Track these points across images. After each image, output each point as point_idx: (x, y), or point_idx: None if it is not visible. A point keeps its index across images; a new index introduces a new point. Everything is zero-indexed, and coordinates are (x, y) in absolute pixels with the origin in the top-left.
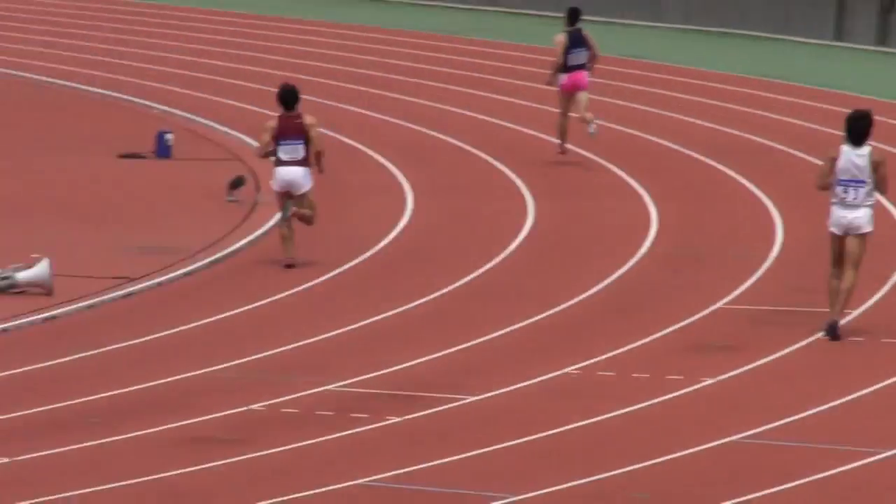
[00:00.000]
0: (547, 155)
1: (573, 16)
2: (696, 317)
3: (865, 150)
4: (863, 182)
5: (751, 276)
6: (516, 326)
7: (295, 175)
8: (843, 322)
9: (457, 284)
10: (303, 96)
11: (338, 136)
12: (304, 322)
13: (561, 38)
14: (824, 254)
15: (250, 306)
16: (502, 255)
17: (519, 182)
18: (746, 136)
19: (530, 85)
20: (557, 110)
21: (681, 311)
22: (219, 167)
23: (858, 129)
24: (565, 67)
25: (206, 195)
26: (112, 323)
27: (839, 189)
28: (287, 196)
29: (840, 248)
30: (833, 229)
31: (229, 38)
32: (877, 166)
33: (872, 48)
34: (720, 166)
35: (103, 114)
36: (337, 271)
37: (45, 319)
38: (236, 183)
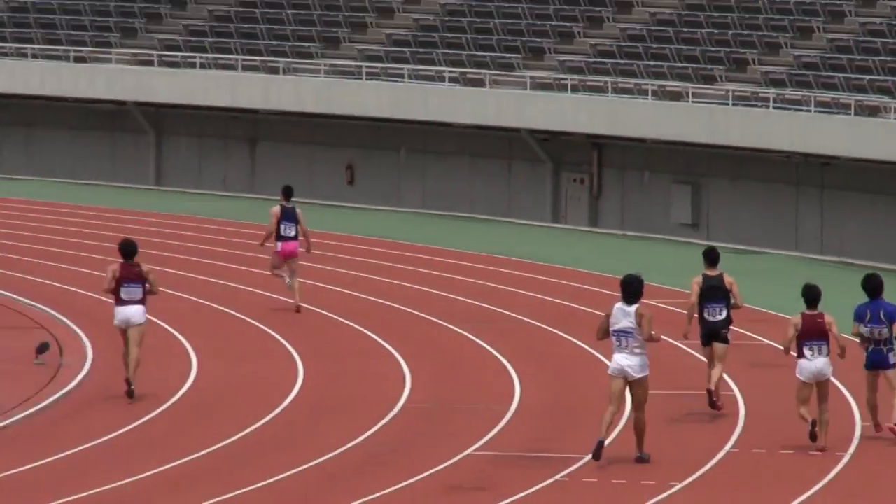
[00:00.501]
0: (308, 320)
1: (287, 193)
2: (450, 462)
3: (634, 307)
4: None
5: (496, 426)
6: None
7: (132, 312)
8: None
9: (237, 436)
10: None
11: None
12: (108, 468)
13: (276, 210)
14: (559, 407)
15: (62, 454)
16: (279, 409)
17: (286, 343)
18: (481, 304)
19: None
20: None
21: (435, 457)
22: (26, 335)
23: (630, 289)
24: (279, 236)
25: (16, 359)
26: None
27: (613, 339)
28: (125, 331)
29: (618, 389)
30: (610, 372)
31: (26, 224)
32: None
33: (586, 229)
34: (461, 331)
35: None
36: (127, 428)
37: None
38: (42, 348)
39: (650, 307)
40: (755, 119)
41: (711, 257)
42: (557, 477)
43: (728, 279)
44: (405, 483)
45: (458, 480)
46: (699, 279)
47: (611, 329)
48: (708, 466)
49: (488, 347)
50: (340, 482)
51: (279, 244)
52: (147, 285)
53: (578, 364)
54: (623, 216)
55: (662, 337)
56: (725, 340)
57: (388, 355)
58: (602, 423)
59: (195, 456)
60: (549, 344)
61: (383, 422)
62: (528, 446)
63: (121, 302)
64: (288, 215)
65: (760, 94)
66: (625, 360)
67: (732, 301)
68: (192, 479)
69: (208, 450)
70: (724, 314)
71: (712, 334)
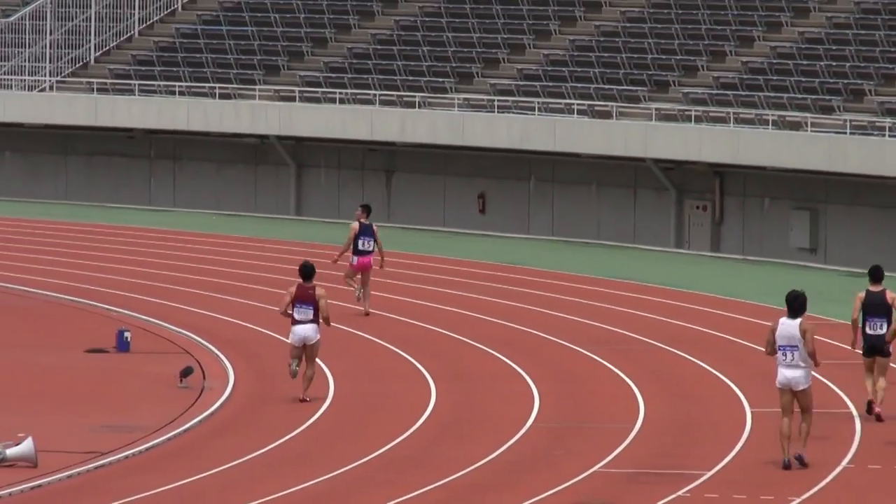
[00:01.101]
0: (439, 342)
1: (367, 210)
2: (577, 479)
3: (797, 321)
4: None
5: (621, 444)
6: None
7: (308, 331)
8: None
9: (373, 455)
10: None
11: (264, 329)
12: (250, 486)
13: (355, 226)
14: (681, 425)
15: (206, 473)
16: (413, 428)
17: (420, 367)
18: (607, 327)
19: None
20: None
21: (563, 475)
22: (171, 359)
23: (795, 305)
24: (356, 250)
25: (161, 383)
26: (88, 491)
27: (779, 353)
28: (300, 349)
29: (788, 400)
30: (778, 386)
31: (171, 252)
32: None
33: (708, 254)
34: (587, 352)
35: (68, 316)
36: (268, 447)
37: (32, 488)
38: (186, 372)
39: (812, 321)
40: (871, 147)
41: (876, 275)
42: (680, 493)
43: (890, 295)
44: (534, 500)
45: (585, 497)
46: (862, 294)
47: (776, 343)
48: (825, 482)
49: (613, 368)
50: (472, 499)
51: (355, 258)
52: (318, 308)
53: (700, 383)
54: (744, 241)
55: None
56: (887, 354)
57: (516, 376)
58: (781, 439)
59: (334, 474)
60: (672, 364)
61: (513, 440)
62: (652, 463)
63: (295, 321)
64: (366, 231)
65: (877, 124)
66: (790, 373)
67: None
68: (332, 496)
69: (347, 468)
70: (885, 328)
71: (874, 347)
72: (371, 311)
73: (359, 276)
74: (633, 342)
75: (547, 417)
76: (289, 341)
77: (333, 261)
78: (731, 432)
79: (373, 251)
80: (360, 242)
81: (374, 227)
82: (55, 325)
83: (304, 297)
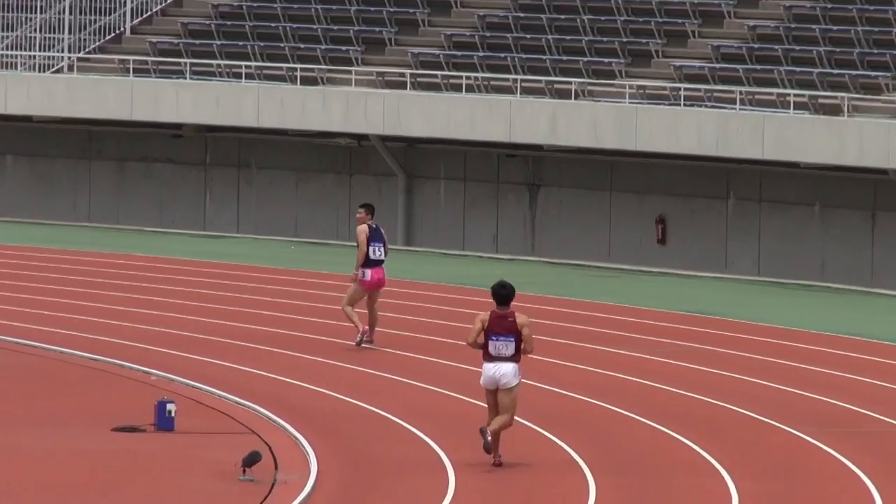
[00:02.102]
0: (608, 425)
1: (371, 210)
2: None
3: None
4: None
5: None
6: None
7: (504, 370)
8: None
9: None
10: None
11: (354, 400)
12: None
13: (365, 228)
14: None
15: None
16: None
17: (576, 456)
18: (830, 400)
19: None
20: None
21: None
22: (230, 442)
23: None
24: (367, 261)
25: (216, 474)
26: None
27: None
28: (493, 393)
29: None
30: None
31: (232, 295)
32: None
33: None
34: (808, 438)
35: (92, 381)
36: None
37: None
38: (251, 459)
39: None
40: None
41: None
42: None
43: None
44: None
45: None
46: None
47: None
48: None
49: (843, 459)
50: None
51: (368, 272)
52: (521, 340)
53: None
54: None
55: None
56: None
57: (706, 468)
58: None
59: None
60: None
61: None
62: None
63: (489, 358)
64: (376, 236)
65: None
66: None
67: None
68: None
69: None
70: None
71: None
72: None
73: (367, 297)
74: (874, 424)
75: None
76: (480, 382)
77: (356, 275)
78: None
79: (384, 261)
80: (370, 250)
81: (382, 230)
82: (72, 394)
83: (502, 328)
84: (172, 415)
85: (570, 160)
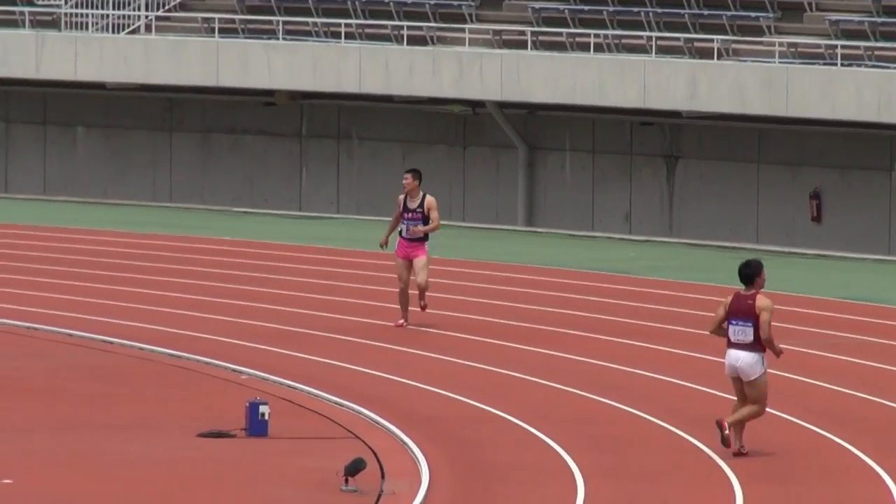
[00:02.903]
0: (756, 427)
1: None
2: None
3: None
4: None
5: None
6: None
7: (742, 360)
8: None
9: None
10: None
11: (468, 399)
12: None
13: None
14: None
15: None
16: None
17: (720, 462)
18: None
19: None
20: None
21: None
22: (330, 447)
23: None
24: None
25: (315, 484)
26: None
27: None
28: (738, 381)
29: None
30: None
31: (330, 283)
32: None
33: None
34: None
35: (176, 381)
36: None
37: None
38: (354, 467)
39: None
40: None
41: None
42: None
43: None
44: None
45: None
46: None
47: None
48: None
49: None
50: None
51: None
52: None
53: None
54: None
55: None
56: None
57: (866, 470)
58: None
59: None
60: None
61: None
62: None
63: (729, 343)
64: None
65: None
66: None
67: None
68: None
69: None
70: None
71: None
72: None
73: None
74: None
75: None
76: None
77: (382, 243)
78: None
79: (423, 239)
80: (403, 227)
81: (428, 203)
82: (154, 396)
83: (740, 311)
84: (266, 418)
85: (713, 128)
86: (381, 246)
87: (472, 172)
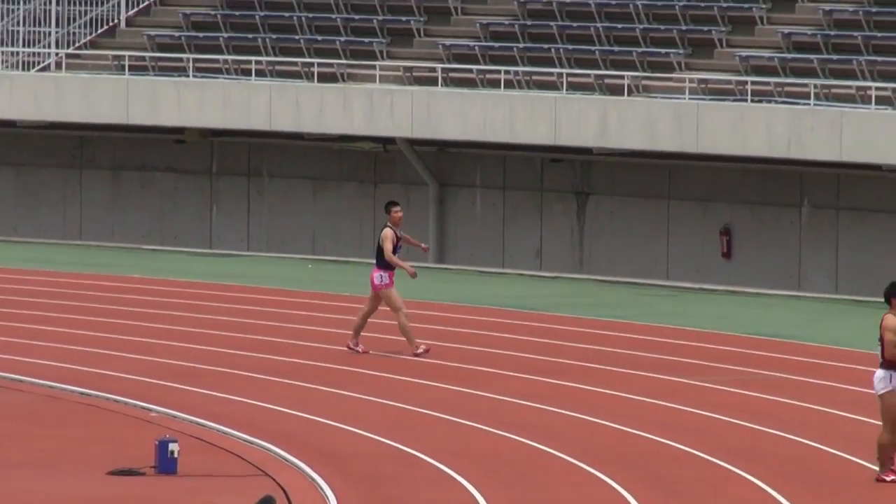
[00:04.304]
0: (672, 465)
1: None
2: None
3: None
4: None
5: None
6: None
7: (875, 376)
8: None
9: None
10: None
11: (379, 437)
12: None
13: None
14: None
15: None
16: None
17: (633, 501)
18: None
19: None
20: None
21: None
22: (240, 485)
23: None
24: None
25: None
26: None
27: None
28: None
29: None
30: None
31: (240, 320)
32: None
33: None
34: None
35: (85, 418)
36: None
37: None
38: None
39: None
40: None
41: None
42: None
43: None
44: None
45: None
46: None
47: None
48: None
49: None
50: None
51: (386, 274)
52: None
53: None
54: None
55: None
56: None
57: None
58: None
59: None
60: None
61: None
62: None
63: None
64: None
65: None
66: None
67: None
68: None
69: None
70: None
71: None
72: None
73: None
74: None
75: None
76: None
77: (412, 274)
78: None
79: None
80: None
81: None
82: (62, 434)
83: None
84: (175, 455)
85: (623, 165)
86: (414, 276)
87: (383, 209)
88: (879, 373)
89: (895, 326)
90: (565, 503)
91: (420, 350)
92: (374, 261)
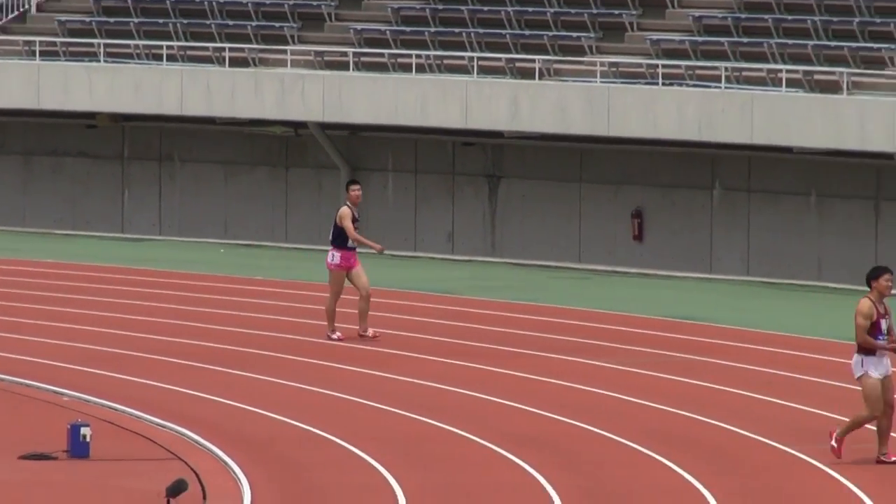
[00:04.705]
0: (580, 446)
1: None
2: None
3: None
4: None
5: None
6: None
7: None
8: None
9: None
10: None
11: (292, 420)
12: None
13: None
14: None
15: None
16: None
17: (546, 484)
18: (835, 416)
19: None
20: None
21: None
22: (152, 468)
23: None
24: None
25: None
26: None
27: None
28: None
29: None
30: None
31: (153, 304)
32: None
33: None
34: (805, 457)
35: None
36: None
37: None
38: (176, 489)
39: None
40: None
41: None
42: None
43: None
44: None
45: None
46: None
47: None
48: None
49: (847, 483)
50: None
51: (338, 254)
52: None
53: None
54: None
55: None
56: None
57: (693, 495)
58: None
59: None
60: None
61: None
62: None
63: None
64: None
65: None
66: None
67: None
68: None
69: None
70: None
71: None
72: (377, 332)
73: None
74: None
75: None
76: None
77: (380, 250)
78: None
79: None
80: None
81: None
82: None
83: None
84: (87, 439)
85: (535, 148)
86: (382, 251)
87: (295, 194)
88: (855, 358)
89: (865, 311)
90: (478, 486)
91: (335, 336)
92: (329, 243)
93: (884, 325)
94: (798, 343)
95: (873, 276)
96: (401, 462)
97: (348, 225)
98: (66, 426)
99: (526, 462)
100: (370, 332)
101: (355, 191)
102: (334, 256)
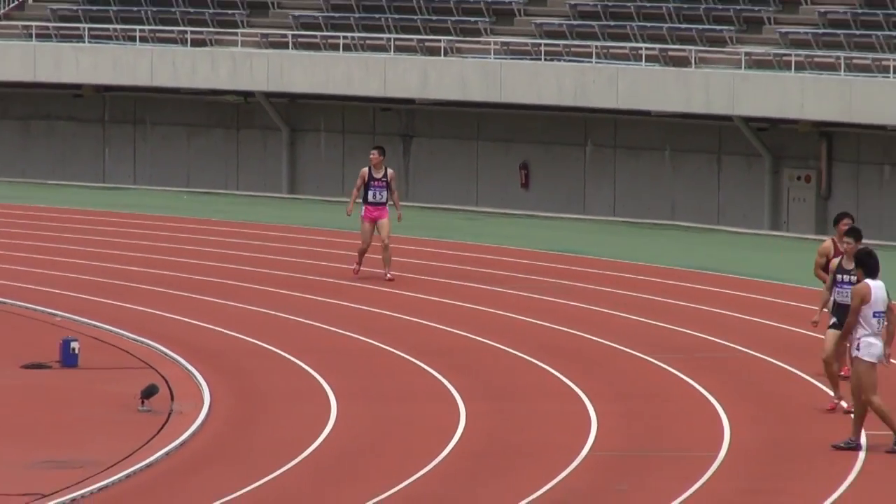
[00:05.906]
0: (480, 356)
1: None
2: None
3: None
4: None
5: (700, 478)
6: None
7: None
8: None
9: (387, 494)
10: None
11: (246, 336)
12: None
13: (364, 171)
14: (776, 452)
15: None
16: (435, 462)
17: (448, 385)
18: (682, 330)
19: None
20: None
21: None
22: (130, 376)
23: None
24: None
25: (117, 406)
26: None
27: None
28: None
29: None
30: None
31: (130, 241)
32: None
33: (812, 237)
34: (658, 363)
35: (2, 324)
36: (250, 487)
37: None
38: (149, 391)
39: None
40: None
41: None
42: None
43: None
44: None
45: None
46: None
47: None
48: None
49: (692, 382)
50: None
51: (364, 207)
52: None
53: (804, 402)
54: (859, 221)
55: None
56: None
57: (568, 393)
58: None
59: None
60: (768, 378)
61: (563, 474)
62: (740, 501)
63: None
64: (377, 179)
65: None
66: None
67: None
68: None
69: None
70: None
71: None
72: (394, 275)
73: (373, 235)
74: (720, 350)
75: (607, 445)
76: None
77: (349, 213)
78: (840, 462)
79: (385, 202)
80: (370, 193)
81: (390, 175)
82: None
83: None
84: (76, 352)
85: (441, 112)
86: (348, 214)
87: (245, 151)
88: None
89: (822, 248)
90: (394, 388)
91: (353, 268)
92: None
93: (835, 262)
94: (654, 271)
95: (836, 220)
96: (332, 370)
97: (357, 182)
98: (59, 341)
99: (433, 369)
100: (388, 275)
101: (372, 155)
102: (363, 209)
